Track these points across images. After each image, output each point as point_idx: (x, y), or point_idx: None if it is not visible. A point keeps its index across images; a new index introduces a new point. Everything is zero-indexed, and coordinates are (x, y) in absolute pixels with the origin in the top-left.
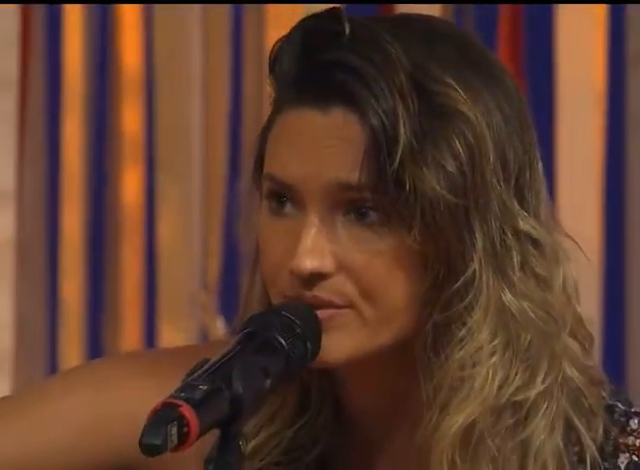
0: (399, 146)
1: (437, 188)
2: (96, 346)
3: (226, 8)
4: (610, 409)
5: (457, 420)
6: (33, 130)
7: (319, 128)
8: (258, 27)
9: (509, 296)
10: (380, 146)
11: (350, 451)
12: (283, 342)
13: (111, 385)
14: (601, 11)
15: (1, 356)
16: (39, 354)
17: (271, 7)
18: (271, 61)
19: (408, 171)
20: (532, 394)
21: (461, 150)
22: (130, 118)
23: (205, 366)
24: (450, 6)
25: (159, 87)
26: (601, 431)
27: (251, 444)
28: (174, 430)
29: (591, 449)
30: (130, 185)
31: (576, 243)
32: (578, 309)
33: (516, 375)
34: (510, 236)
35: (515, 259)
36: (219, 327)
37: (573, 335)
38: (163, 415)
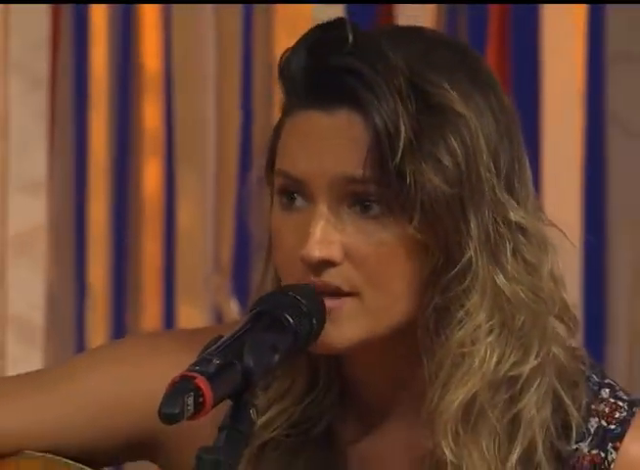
0: (400, 143)
1: (435, 180)
2: (119, 324)
3: (237, 8)
4: (586, 379)
5: (459, 394)
6: (62, 126)
7: (326, 128)
8: (267, 27)
9: (502, 280)
10: (382, 143)
11: (356, 425)
12: (290, 319)
13: (132, 362)
14: (581, 11)
15: (34, 334)
16: (68, 332)
17: (279, 7)
18: (280, 67)
19: (408, 166)
20: (526, 369)
21: (456, 146)
22: (150, 114)
23: (219, 342)
24: (444, 6)
25: (176, 85)
26: (584, 402)
27: (264, 417)
28: (190, 400)
29: (577, 419)
30: (151, 176)
31: (562, 231)
32: (564, 294)
33: (511, 352)
34: (502, 225)
35: (507, 247)
36: (232, 307)
37: (560, 318)
38: (181, 387)
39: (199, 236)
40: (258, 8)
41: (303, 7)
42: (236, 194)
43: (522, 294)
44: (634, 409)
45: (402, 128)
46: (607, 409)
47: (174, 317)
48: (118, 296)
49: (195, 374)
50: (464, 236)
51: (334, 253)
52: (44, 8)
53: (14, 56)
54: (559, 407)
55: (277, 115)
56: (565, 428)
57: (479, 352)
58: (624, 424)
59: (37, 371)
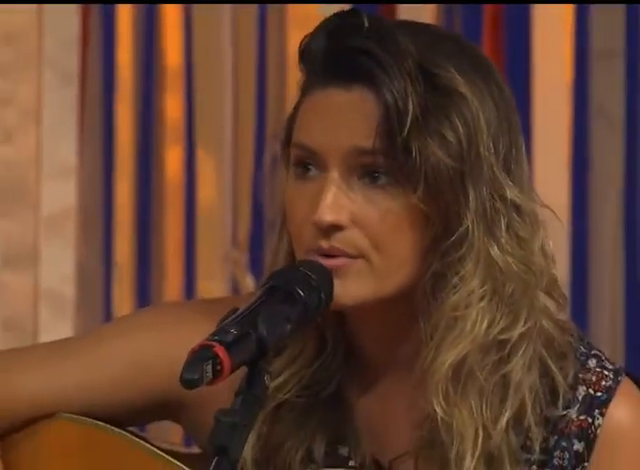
0: (408, 119)
1: (439, 154)
2: (144, 297)
3: (253, 8)
4: (574, 350)
5: (450, 355)
6: (91, 117)
7: (341, 103)
8: (280, 25)
9: (496, 251)
10: (391, 118)
11: (361, 387)
12: (301, 293)
13: (157, 329)
14: (568, 11)
15: (65, 304)
16: (96, 304)
17: (290, 7)
18: (301, 50)
19: (414, 140)
20: (515, 334)
21: (459, 124)
22: (172, 105)
23: (236, 314)
24: (442, 5)
25: (196, 79)
26: (572, 372)
27: (277, 381)
28: (209, 367)
29: (564, 386)
30: (172, 161)
31: (553, 211)
32: (554, 271)
33: (501, 318)
34: (498, 201)
35: (502, 222)
36: (248, 281)
37: (549, 293)
38: (200, 355)
39: (217, 216)
40: (272, 7)
41: (310, 7)
42: (251, 177)
43: (513, 265)
44: (619, 378)
45: (410, 106)
46: (594, 378)
47: (194, 289)
48: (143, 271)
49: (213, 343)
50: (462, 207)
51: (342, 217)
52: (74, 8)
53: (47, 53)
54: (546, 374)
55: (289, 106)
56: (553, 395)
57: (470, 316)
58: (610, 391)
59: (66, 339)
